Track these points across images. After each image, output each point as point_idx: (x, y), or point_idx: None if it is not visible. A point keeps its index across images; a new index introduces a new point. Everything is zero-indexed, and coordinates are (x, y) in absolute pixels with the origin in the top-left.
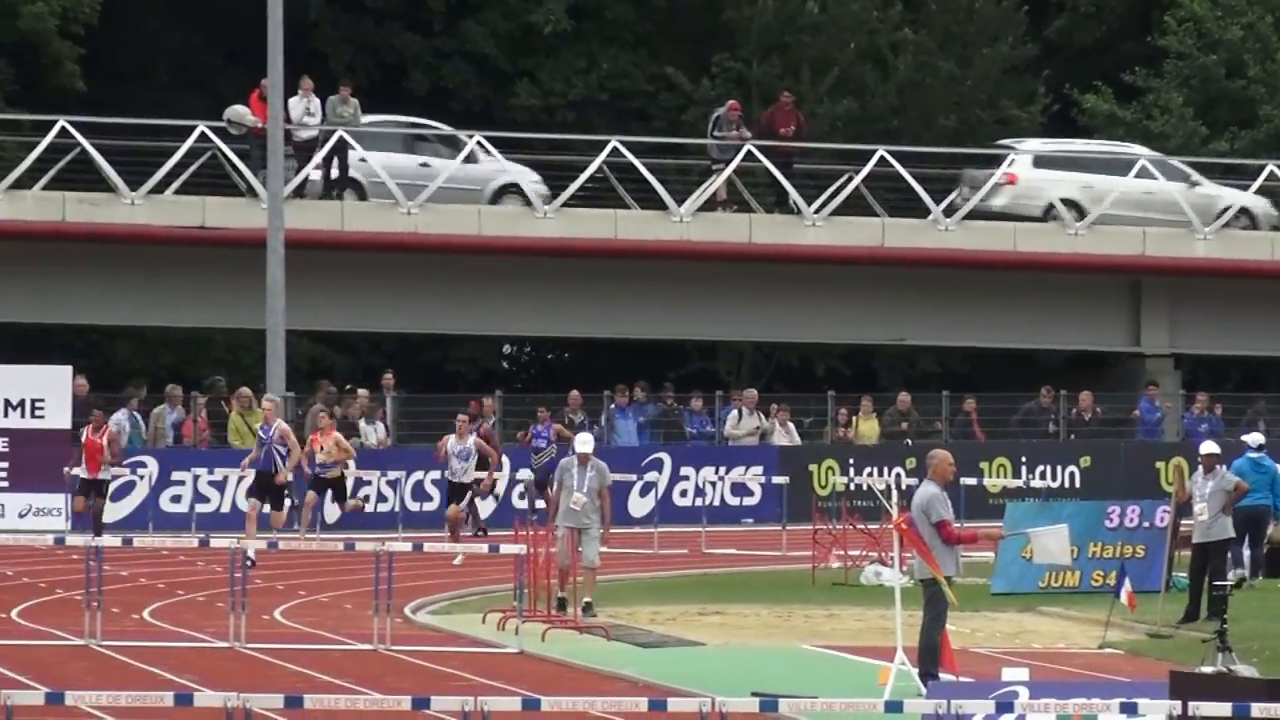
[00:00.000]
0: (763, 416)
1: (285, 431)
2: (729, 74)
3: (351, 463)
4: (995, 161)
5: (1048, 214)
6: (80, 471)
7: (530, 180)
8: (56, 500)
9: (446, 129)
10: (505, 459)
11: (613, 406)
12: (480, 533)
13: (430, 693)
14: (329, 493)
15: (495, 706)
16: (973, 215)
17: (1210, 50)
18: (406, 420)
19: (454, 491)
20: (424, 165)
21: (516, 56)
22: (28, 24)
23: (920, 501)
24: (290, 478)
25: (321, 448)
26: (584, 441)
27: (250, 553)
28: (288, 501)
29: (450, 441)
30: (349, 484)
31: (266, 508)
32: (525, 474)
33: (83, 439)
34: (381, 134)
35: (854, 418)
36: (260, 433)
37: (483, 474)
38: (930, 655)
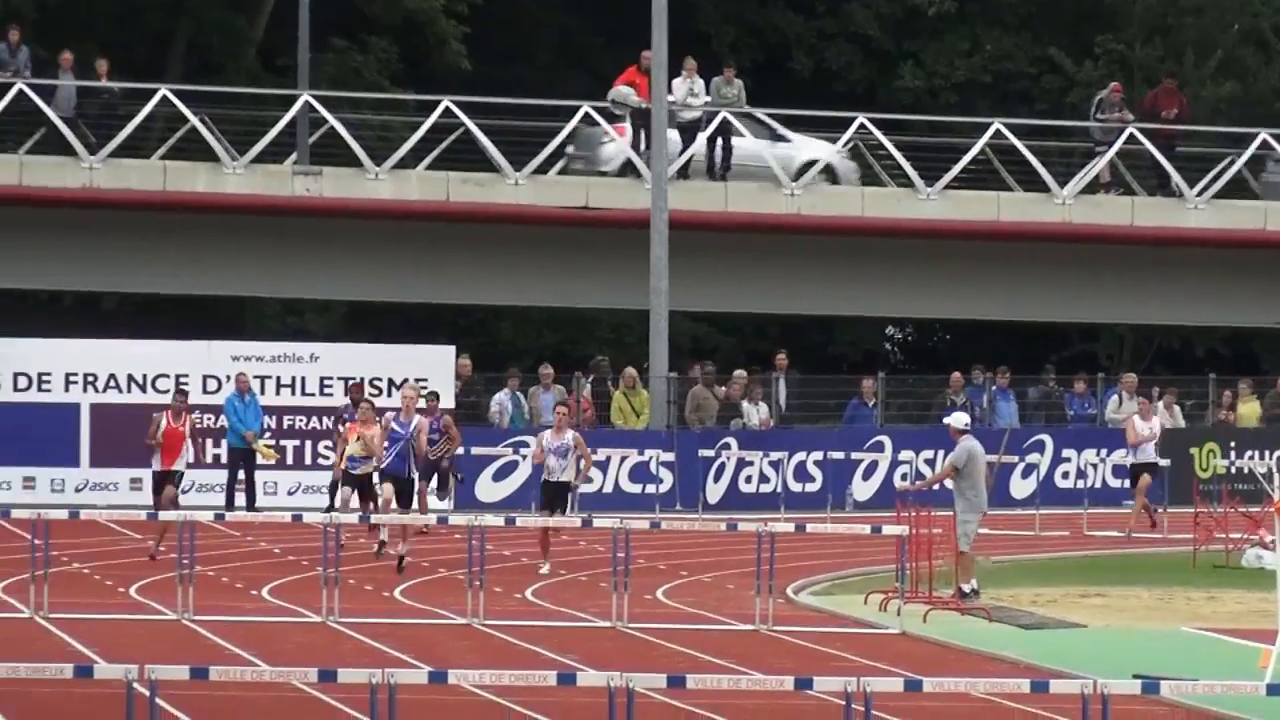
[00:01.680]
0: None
1: (421, 428)
2: (1111, 56)
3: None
4: None
5: None
6: (156, 463)
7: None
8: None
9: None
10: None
11: (994, 388)
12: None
13: (812, 673)
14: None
15: (877, 687)
16: None
17: None
18: (791, 401)
19: (550, 494)
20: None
21: (900, 38)
22: (414, 3)
23: None
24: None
25: (358, 437)
26: (960, 420)
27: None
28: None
29: (546, 437)
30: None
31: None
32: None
33: (161, 427)
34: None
35: (1234, 400)
36: (396, 427)
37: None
38: None
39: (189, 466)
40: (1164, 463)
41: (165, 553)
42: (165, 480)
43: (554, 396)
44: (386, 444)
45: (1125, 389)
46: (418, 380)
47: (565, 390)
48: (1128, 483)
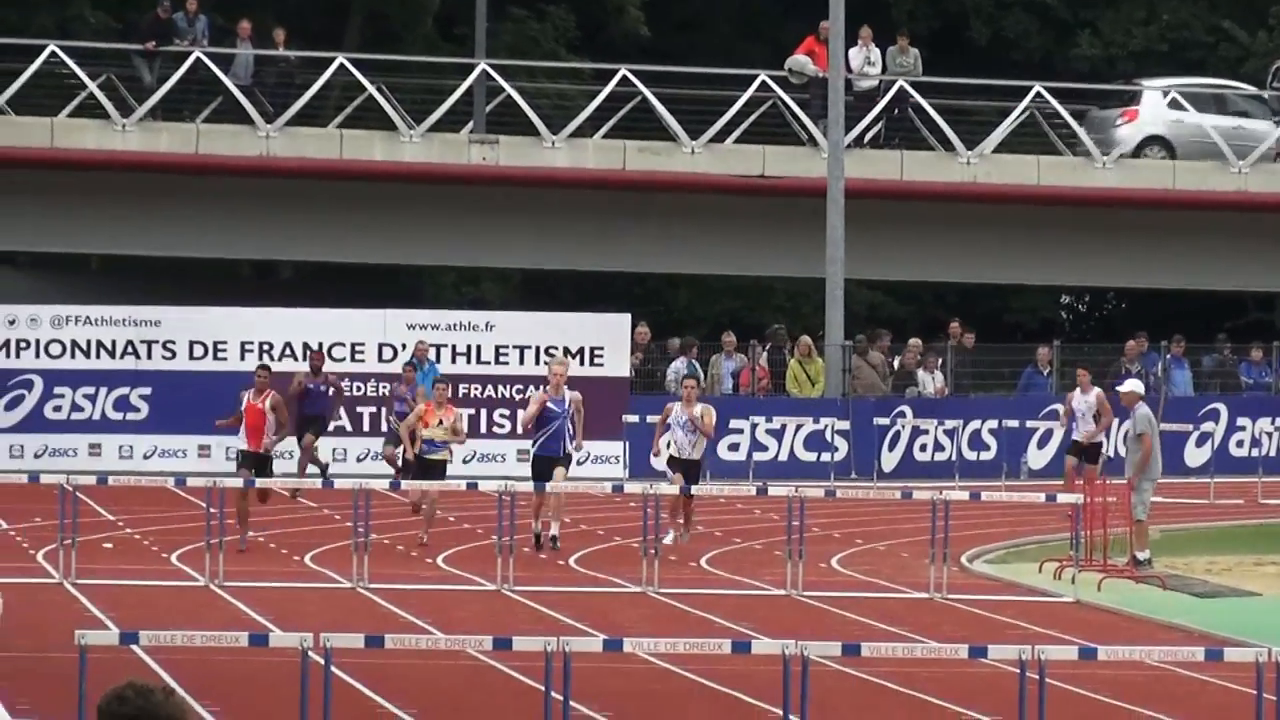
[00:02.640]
0: None
1: (578, 402)
2: None
3: (455, 448)
4: None
5: None
6: (241, 442)
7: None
8: (615, 448)
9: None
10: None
11: (1168, 356)
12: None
13: (986, 641)
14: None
15: (1052, 655)
16: None
17: None
18: (965, 370)
19: (684, 470)
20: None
21: (1078, 7)
22: None
23: None
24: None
25: (441, 421)
26: (1136, 387)
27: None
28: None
29: (675, 410)
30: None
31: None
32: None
33: (242, 405)
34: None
35: None
36: (551, 405)
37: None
38: None
39: (277, 442)
40: None
41: (250, 541)
42: (252, 462)
43: (735, 364)
44: (535, 423)
45: None
46: (563, 350)
47: (744, 358)
48: None
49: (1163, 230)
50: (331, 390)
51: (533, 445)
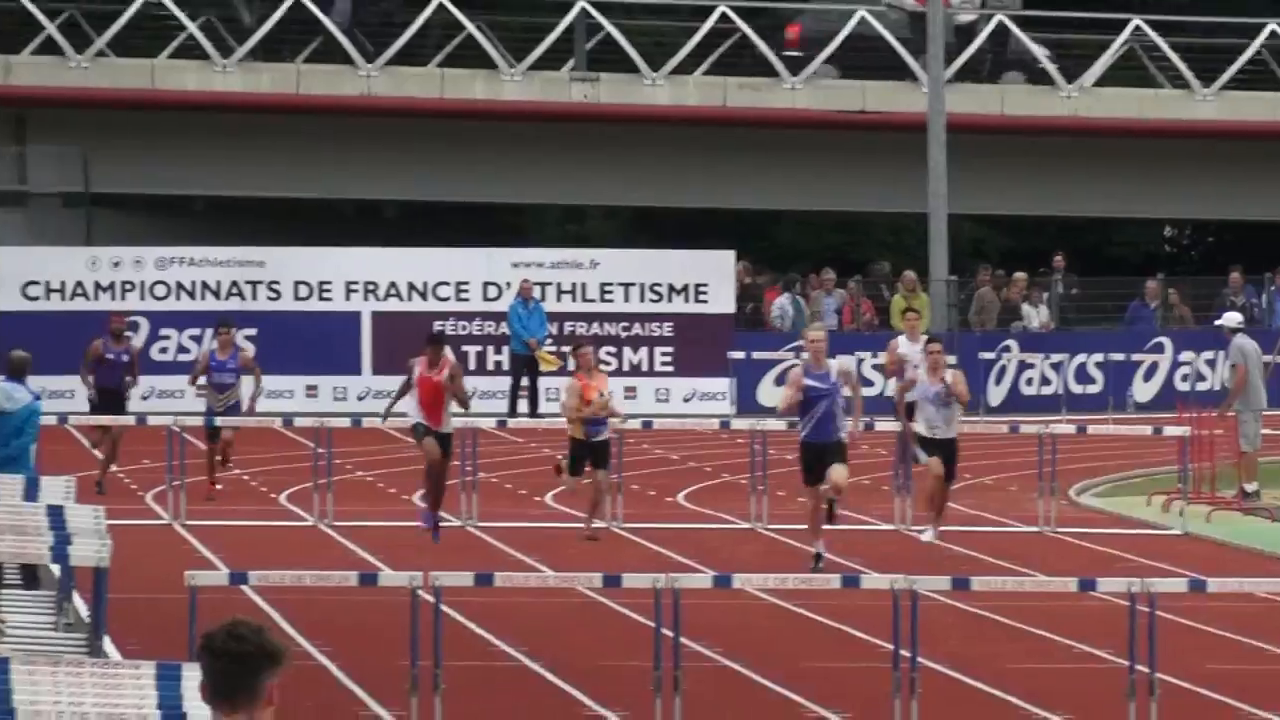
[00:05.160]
0: None
1: (848, 373)
2: None
3: (615, 421)
4: None
5: None
6: (415, 413)
7: None
8: (720, 384)
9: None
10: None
11: (1272, 288)
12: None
13: (1095, 574)
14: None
15: (1160, 588)
16: None
17: None
18: (1069, 303)
19: (942, 452)
20: None
21: None
22: None
23: None
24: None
25: (601, 394)
26: (1232, 319)
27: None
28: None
29: (921, 381)
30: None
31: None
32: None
33: (413, 377)
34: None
35: None
36: (810, 381)
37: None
38: None
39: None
40: None
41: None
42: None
43: (836, 301)
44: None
45: None
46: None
47: (845, 295)
48: None
49: (1265, 161)
50: (127, 358)
51: (801, 432)
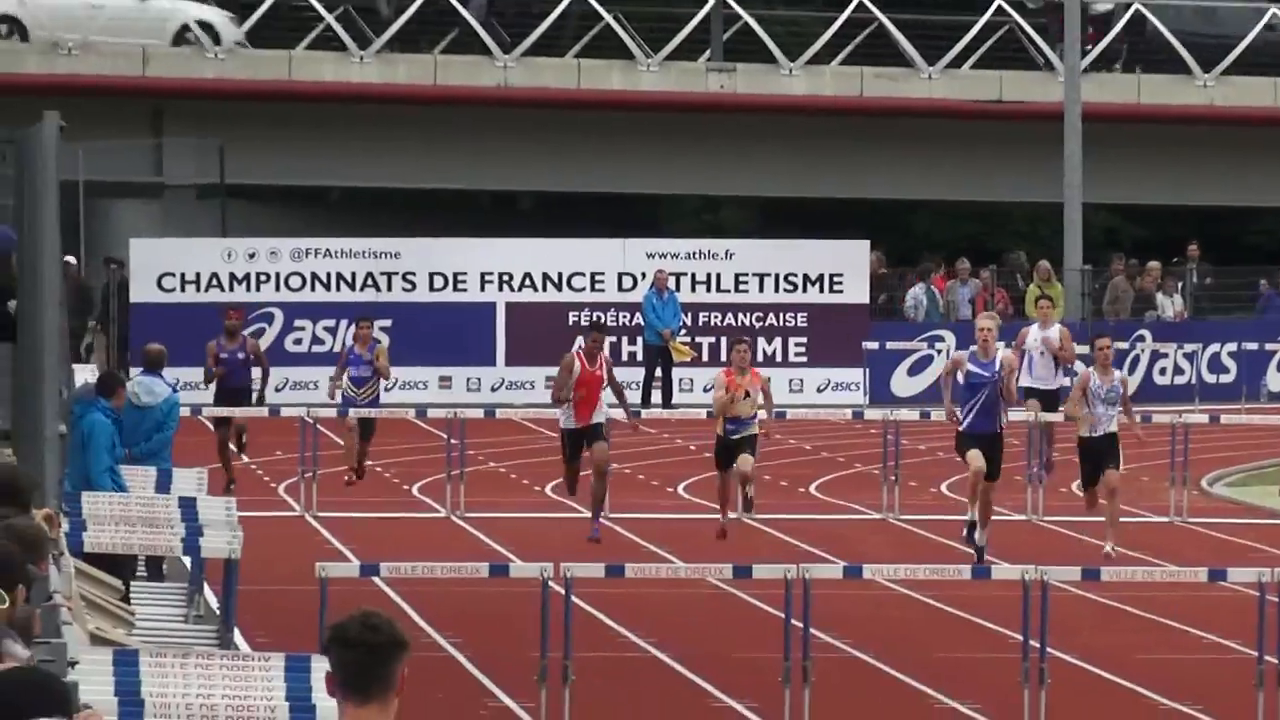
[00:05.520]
0: None
1: (1011, 365)
2: None
3: (763, 412)
4: None
5: None
6: (566, 419)
7: None
8: (854, 375)
9: None
10: None
11: None
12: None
13: (1226, 565)
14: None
15: None
16: None
17: None
18: (1203, 293)
19: (1101, 450)
20: None
21: None
22: None
23: None
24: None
25: (747, 394)
26: None
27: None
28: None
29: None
30: None
31: None
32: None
33: (574, 371)
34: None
35: None
36: (974, 368)
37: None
38: None
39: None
40: None
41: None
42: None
43: (970, 290)
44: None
45: None
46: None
47: (979, 284)
48: None
49: None
50: (242, 355)
51: (961, 422)
